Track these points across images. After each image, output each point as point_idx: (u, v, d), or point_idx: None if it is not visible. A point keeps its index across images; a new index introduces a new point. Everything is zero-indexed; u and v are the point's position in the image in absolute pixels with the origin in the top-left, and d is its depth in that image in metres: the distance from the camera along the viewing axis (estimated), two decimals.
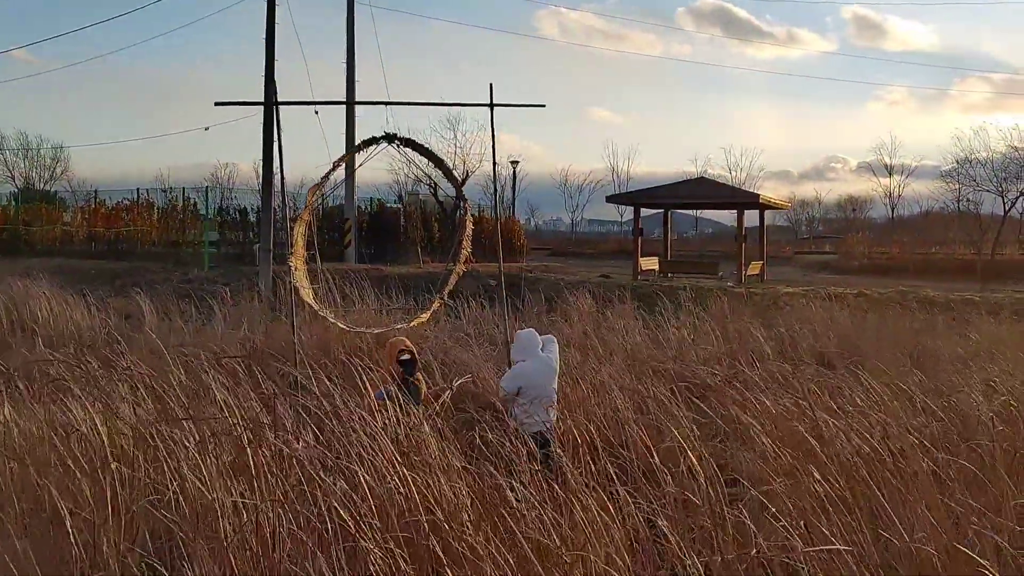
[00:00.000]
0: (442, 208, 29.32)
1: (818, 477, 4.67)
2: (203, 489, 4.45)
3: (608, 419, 6.82)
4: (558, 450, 5.50)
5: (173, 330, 12.21)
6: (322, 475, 4.52)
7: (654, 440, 5.84)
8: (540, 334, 7.13)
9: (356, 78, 25.53)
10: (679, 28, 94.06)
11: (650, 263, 25.51)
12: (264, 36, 19.53)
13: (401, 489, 4.33)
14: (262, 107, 14.47)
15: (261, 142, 18.99)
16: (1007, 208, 34.23)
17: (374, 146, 8.14)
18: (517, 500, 4.35)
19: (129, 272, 21.57)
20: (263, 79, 19.26)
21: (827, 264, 36.49)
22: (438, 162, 9.01)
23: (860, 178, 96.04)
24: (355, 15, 25.32)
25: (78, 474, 4.76)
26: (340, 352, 9.59)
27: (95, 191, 31.77)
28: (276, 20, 19.68)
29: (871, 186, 62.78)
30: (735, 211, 27.17)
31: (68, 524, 4.21)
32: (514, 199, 46.86)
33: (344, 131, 24.77)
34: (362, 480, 4.35)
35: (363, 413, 5.10)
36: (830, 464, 4.98)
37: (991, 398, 6.24)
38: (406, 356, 6.86)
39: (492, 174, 9.18)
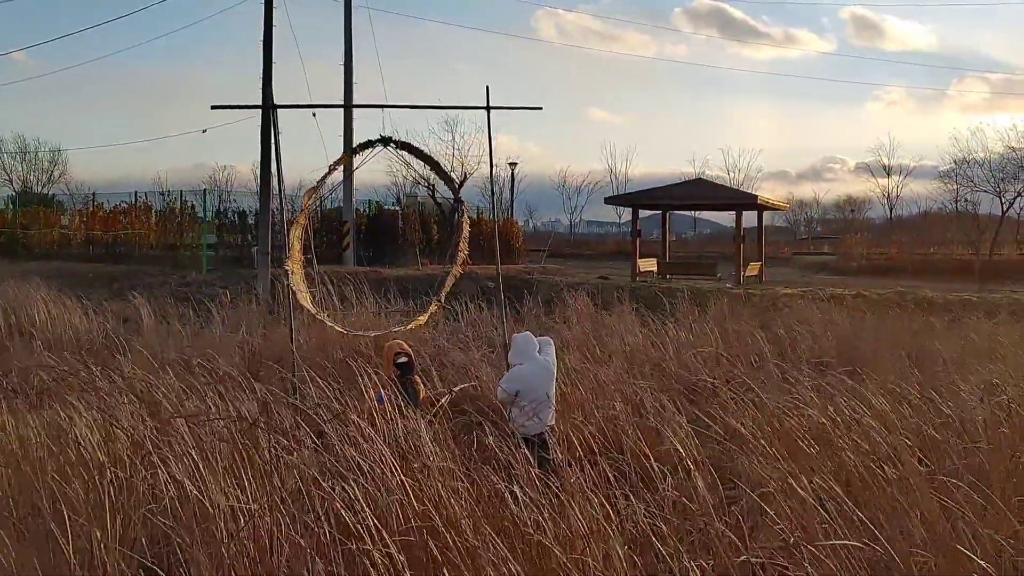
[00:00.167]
0: (440, 210, 29.32)
1: (816, 480, 4.66)
2: (200, 494, 4.44)
3: (607, 421, 6.81)
4: (556, 453, 5.50)
5: (171, 334, 12.20)
6: (320, 480, 4.52)
7: (652, 442, 5.84)
8: (538, 336, 7.12)
9: (354, 80, 25.57)
10: (676, 29, 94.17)
11: (648, 264, 25.51)
12: (262, 39, 19.55)
13: (398, 493, 4.32)
14: (260, 110, 14.46)
15: (259, 144, 19.01)
16: (1005, 208, 34.23)
17: (370, 149, 8.13)
18: (516, 504, 4.34)
19: (127, 275, 21.55)
20: (261, 81, 19.30)
21: (825, 265, 36.49)
22: (434, 165, 9.00)
23: (858, 179, 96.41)
24: (352, 18, 25.36)
25: (75, 480, 4.75)
26: (339, 354, 9.59)
27: (93, 194, 31.76)
28: (274, 23, 19.70)
29: (869, 187, 62.92)
30: (733, 212, 27.16)
31: (67, 530, 4.19)
32: (512, 201, 46.88)
33: (342, 133, 24.77)
34: (360, 485, 4.33)
35: (359, 419, 5.08)
36: (828, 467, 4.98)
37: (990, 399, 6.23)
38: (403, 359, 6.85)
39: (490, 177, 9.15)
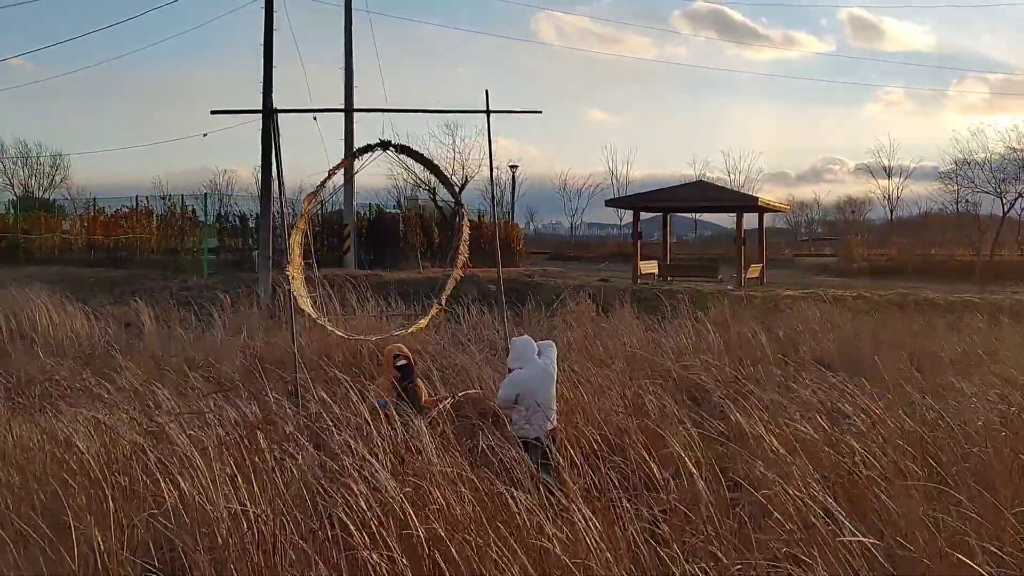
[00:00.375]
0: (441, 213, 29.32)
1: (818, 483, 4.66)
2: (203, 499, 4.44)
3: (609, 424, 6.81)
4: (557, 457, 5.49)
5: (173, 338, 12.21)
6: (323, 484, 4.51)
7: (655, 445, 5.83)
8: (540, 339, 7.10)
9: (354, 83, 25.57)
10: (675, 31, 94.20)
11: (650, 267, 25.50)
12: (262, 43, 19.56)
13: (397, 498, 4.31)
14: (260, 115, 14.47)
15: (260, 148, 19.01)
16: (1006, 209, 34.16)
17: (370, 153, 8.13)
18: (518, 508, 4.33)
19: (128, 280, 21.57)
20: (261, 84, 19.32)
21: (826, 266, 36.47)
22: (434, 169, 9.01)
23: (858, 180, 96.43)
24: (353, 22, 25.36)
25: (77, 486, 4.75)
26: (341, 358, 9.60)
27: (94, 199, 31.82)
28: (274, 27, 19.72)
29: (869, 188, 62.93)
30: (734, 214, 27.14)
31: (71, 535, 4.19)
32: (513, 203, 46.95)
33: (343, 136, 24.78)
34: (361, 489, 4.33)
35: (359, 423, 5.08)
36: (830, 469, 4.98)
37: (992, 401, 6.23)
38: (402, 361, 6.85)
39: (490, 180, 9.15)
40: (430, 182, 28.49)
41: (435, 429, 5.51)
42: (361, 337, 8.74)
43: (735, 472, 5.62)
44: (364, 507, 4.15)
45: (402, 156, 8.39)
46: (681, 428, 5.93)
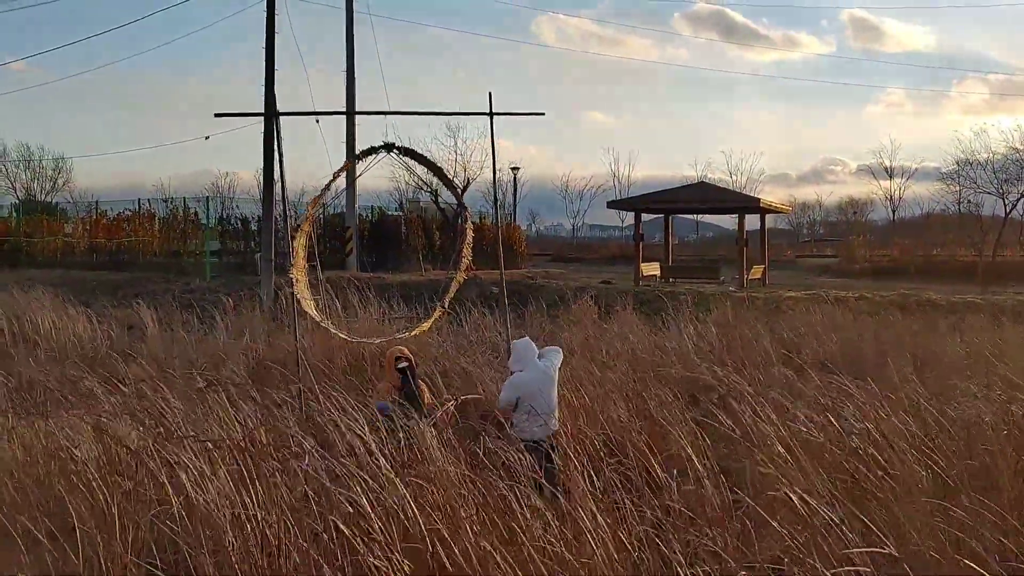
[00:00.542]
0: (443, 215, 29.33)
1: (822, 484, 4.66)
2: (207, 501, 4.44)
3: (612, 426, 6.81)
4: (558, 460, 5.49)
5: (175, 341, 12.22)
6: (327, 487, 4.52)
7: (658, 447, 5.83)
8: (543, 341, 7.10)
9: (356, 86, 25.58)
10: (677, 33, 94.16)
11: (652, 268, 25.51)
12: (264, 47, 19.59)
13: (399, 502, 4.32)
14: (263, 117, 14.49)
15: (262, 150, 19.03)
16: (1008, 210, 34.15)
17: (374, 155, 8.14)
18: (522, 509, 4.33)
19: (131, 283, 21.59)
20: (263, 87, 19.34)
21: (828, 267, 36.46)
22: (437, 171, 9.01)
23: (860, 181, 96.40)
24: (354, 24, 25.38)
25: (81, 489, 4.75)
26: (344, 360, 9.60)
27: (96, 202, 31.86)
28: (276, 30, 19.75)
29: (871, 189, 62.91)
30: (736, 215, 27.15)
31: (76, 538, 4.20)
32: (515, 205, 47.06)
33: (345, 139, 24.80)
34: (365, 492, 4.33)
35: (362, 429, 5.08)
36: (834, 471, 4.98)
37: (995, 402, 6.22)
38: (404, 364, 6.85)
39: (493, 182, 9.16)
40: (432, 184, 28.52)
41: (439, 432, 5.51)
42: (364, 340, 8.74)
43: (738, 473, 5.63)
44: (368, 507, 4.15)
45: (405, 158, 8.40)
46: (684, 429, 5.93)
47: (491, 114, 8.50)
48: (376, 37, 56.58)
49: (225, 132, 46.23)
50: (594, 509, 4.32)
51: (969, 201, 37.08)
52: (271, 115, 8.44)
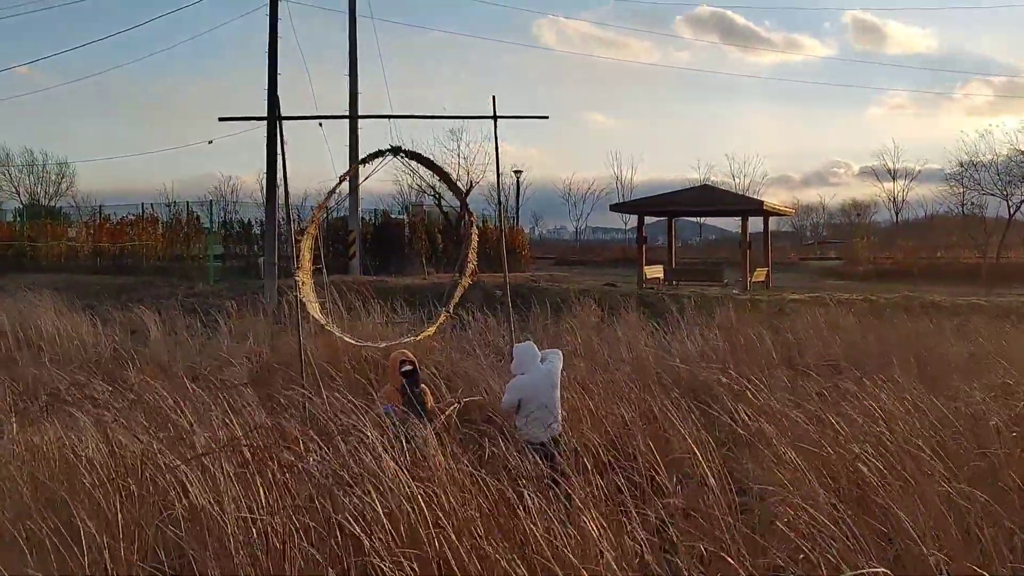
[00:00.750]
0: (446, 219, 29.35)
1: (828, 485, 4.64)
2: (212, 504, 4.44)
3: (616, 428, 6.80)
4: (563, 462, 5.48)
5: (179, 345, 12.23)
6: (333, 489, 4.51)
7: (662, 450, 5.82)
8: (546, 344, 7.10)
9: (359, 89, 25.59)
10: (678, 36, 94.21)
11: (655, 271, 25.48)
12: (267, 51, 19.64)
13: (406, 504, 4.31)
14: (265, 121, 14.50)
15: (265, 154, 19.08)
16: (1012, 211, 34.09)
17: (379, 159, 8.14)
18: (527, 511, 4.33)
19: (134, 287, 21.62)
20: (266, 91, 19.38)
21: (832, 270, 36.43)
22: (442, 174, 9.00)
23: (863, 183, 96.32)
24: (357, 27, 25.38)
25: (86, 493, 4.75)
26: (348, 364, 9.60)
27: (99, 206, 31.85)
28: (278, 35, 19.80)
29: (875, 191, 62.84)
30: (739, 218, 27.12)
31: (80, 542, 4.20)
32: (518, 209, 47.08)
33: (348, 142, 24.81)
34: (371, 494, 4.33)
35: (367, 432, 5.07)
36: (840, 472, 4.96)
37: (1001, 403, 6.20)
38: (408, 367, 6.85)
39: (496, 186, 9.15)
40: (435, 187, 28.55)
41: (444, 434, 5.50)
42: (369, 344, 8.74)
43: (743, 476, 5.61)
44: (379, 508, 4.15)
45: (411, 162, 8.40)
46: (688, 432, 5.92)
47: (495, 117, 8.50)
48: (379, 41, 56.72)
49: (229, 135, 46.33)
50: (600, 512, 4.31)
51: (973, 203, 37.06)
52: (274, 119, 8.46)
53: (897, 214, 61.61)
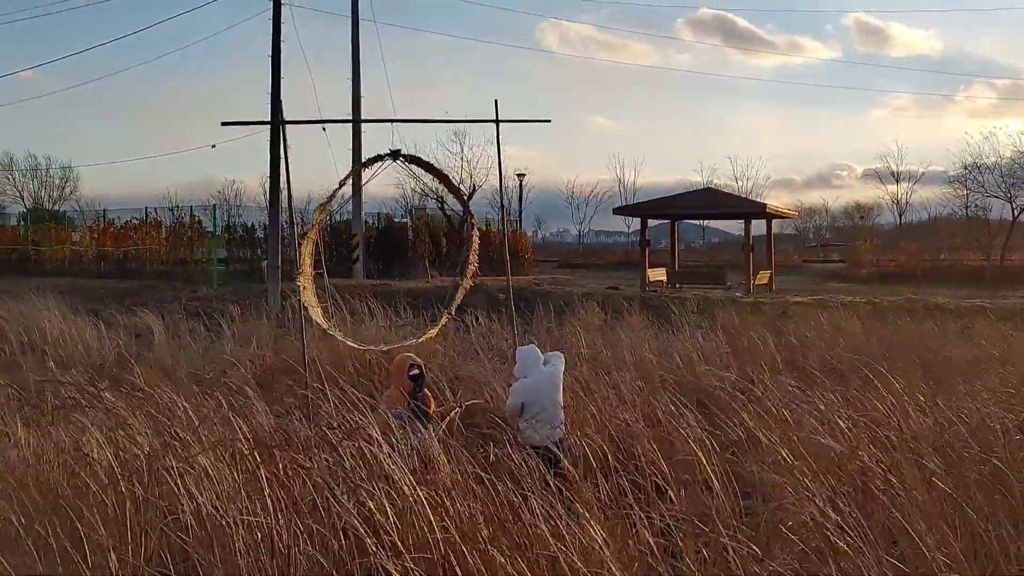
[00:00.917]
0: (449, 222, 29.38)
1: (832, 489, 4.64)
2: (216, 509, 4.45)
3: (620, 431, 6.80)
4: (568, 465, 5.48)
5: (183, 348, 12.25)
6: (337, 493, 4.52)
7: (666, 453, 5.82)
8: (549, 347, 7.11)
9: (361, 92, 25.64)
10: (679, 39, 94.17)
11: (658, 274, 25.48)
12: (270, 56, 19.68)
13: (414, 508, 4.32)
14: (269, 125, 14.54)
15: (268, 158, 19.11)
16: (1016, 214, 34.04)
17: (380, 163, 8.16)
18: (532, 515, 4.33)
19: (138, 291, 21.64)
20: (269, 95, 19.42)
21: (835, 272, 36.41)
22: (443, 178, 9.03)
23: (866, 185, 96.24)
24: (359, 31, 25.42)
25: (90, 496, 4.76)
26: (351, 368, 9.60)
27: (103, 210, 32.00)
28: (281, 39, 19.84)
29: (878, 193, 62.78)
30: (742, 221, 27.12)
31: (84, 546, 4.21)
32: (520, 212, 47.09)
33: (351, 146, 24.86)
34: (377, 497, 4.34)
35: (375, 434, 5.08)
36: (845, 476, 4.96)
37: (1006, 406, 6.19)
38: (415, 371, 6.86)
39: (499, 189, 9.17)
40: (438, 191, 28.58)
41: (447, 437, 5.51)
42: (372, 347, 8.75)
43: (747, 480, 5.61)
44: (387, 509, 4.15)
45: (411, 166, 8.41)
46: (692, 435, 5.92)
47: (497, 121, 8.51)
48: (381, 44, 56.89)
49: (232, 139, 46.44)
50: (604, 515, 4.31)
51: (977, 205, 37.04)
52: (277, 123, 8.48)
53: (900, 216, 61.62)
